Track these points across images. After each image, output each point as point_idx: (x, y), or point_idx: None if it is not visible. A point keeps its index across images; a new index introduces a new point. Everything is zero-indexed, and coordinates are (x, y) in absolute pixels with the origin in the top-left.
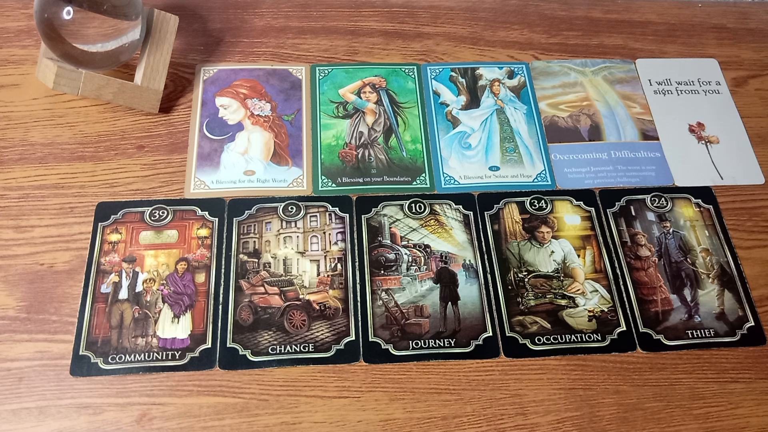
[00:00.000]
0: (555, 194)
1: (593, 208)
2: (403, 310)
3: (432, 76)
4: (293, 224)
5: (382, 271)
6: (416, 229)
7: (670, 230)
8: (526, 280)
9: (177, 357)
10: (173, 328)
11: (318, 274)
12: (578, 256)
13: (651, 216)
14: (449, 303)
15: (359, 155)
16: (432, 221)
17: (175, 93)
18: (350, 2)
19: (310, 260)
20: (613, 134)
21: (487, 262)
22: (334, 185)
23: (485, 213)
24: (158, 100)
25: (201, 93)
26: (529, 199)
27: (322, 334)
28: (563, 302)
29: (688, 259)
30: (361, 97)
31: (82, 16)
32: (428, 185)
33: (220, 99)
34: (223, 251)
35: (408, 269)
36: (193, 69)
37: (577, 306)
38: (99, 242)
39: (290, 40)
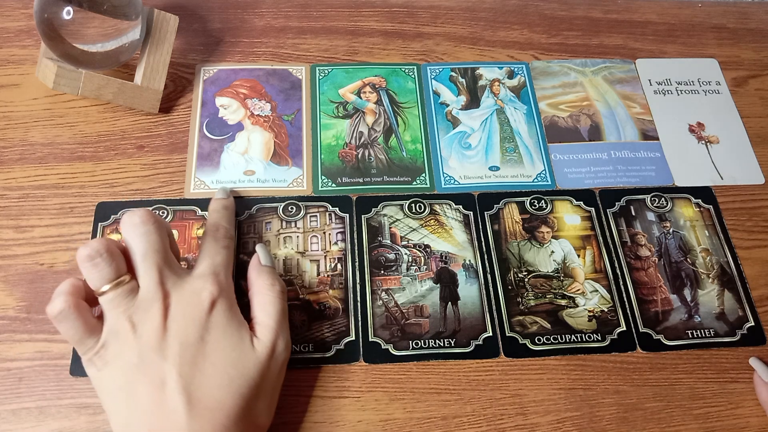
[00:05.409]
0: (555, 194)
1: (593, 208)
2: (403, 310)
3: (432, 76)
4: (293, 224)
5: (382, 271)
6: (416, 229)
7: (670, 230)
8: (526, 280)
9: None
10: None
11: (318, 274)
12: (578, 256)
13: (651, 216)
14: (449, 303)
15: (359, 155)
16: (432, 221)
17: (175, 93)
18: (350, 2)
19: (310, 260)
20: (613, 134)
21: (487, 262)
22: (334, 185)
23: (485, 213)
24: (158, 100)
25: (201, 93)
26: (529, 199)
27: (322, 334)
28: (563, 302)
29: (688, 259)
30: (361, 97)
31: (82, 16)
32: (428, 185)
33: (220, 99)
34: None
35: (408, 269)
36: (193, 69)
37: (577, 306)
38: None
39: (290, 40)
